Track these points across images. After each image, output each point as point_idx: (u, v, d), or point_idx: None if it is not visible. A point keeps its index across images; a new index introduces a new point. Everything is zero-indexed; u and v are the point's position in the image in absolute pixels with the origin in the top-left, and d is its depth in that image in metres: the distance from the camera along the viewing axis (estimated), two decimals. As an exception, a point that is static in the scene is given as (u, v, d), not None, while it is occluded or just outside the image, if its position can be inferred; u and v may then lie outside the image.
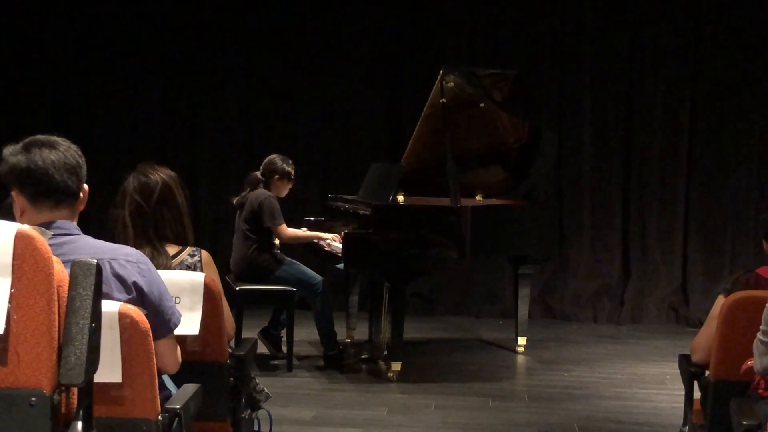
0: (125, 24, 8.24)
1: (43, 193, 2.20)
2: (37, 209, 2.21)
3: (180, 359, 2.48)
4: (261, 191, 5.74)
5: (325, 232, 6.00)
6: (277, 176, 5.79)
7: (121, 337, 2.12)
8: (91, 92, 8.32)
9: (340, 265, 5.63)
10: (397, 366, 5.48)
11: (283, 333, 5.84)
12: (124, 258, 2.27)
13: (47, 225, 2.18)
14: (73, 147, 2.25)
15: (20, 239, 1.87)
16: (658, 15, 7.86)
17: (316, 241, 5.92)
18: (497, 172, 6.36)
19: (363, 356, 6.02)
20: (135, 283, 2.26)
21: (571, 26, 7.99)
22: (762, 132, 7.76)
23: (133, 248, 2.37)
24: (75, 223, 2.29)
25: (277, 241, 5.79)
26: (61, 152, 2.21)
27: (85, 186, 2.28)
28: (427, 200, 6.04)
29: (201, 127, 8.30)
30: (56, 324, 1.90)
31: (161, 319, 2.34)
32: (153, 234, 2.92)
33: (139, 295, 2.26)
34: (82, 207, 2.31)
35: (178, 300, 2.62)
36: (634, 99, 7.95)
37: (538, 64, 7.97)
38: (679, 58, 7.84)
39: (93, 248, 2.24)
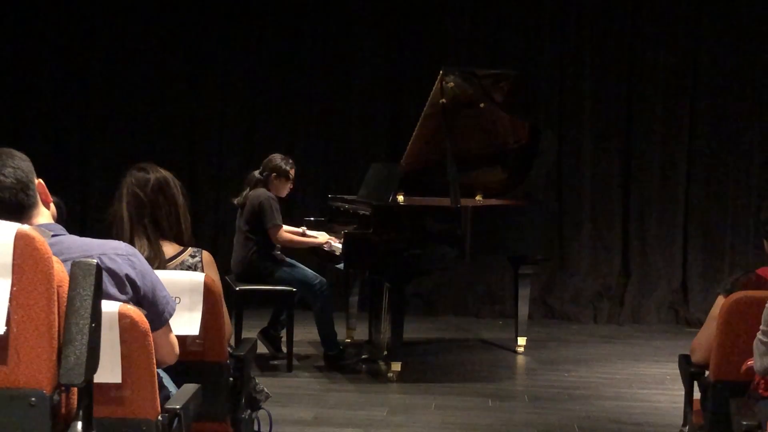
0: (124, 25, 8.23)
1: None
2: None
3: (178, 349, 2.48)
4: (261, 191, 5.72)
5: (325, 232, 6.00)
6: (275, 174, 5.76)
7: (120, 337, 2.12)
8: (91, 93, 8.30)
9: (340, 265, 5.63)
10: (397, 366, 5.47)
11: (283, 333, 5.84)
12: (114, 251, 2.26)
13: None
14: (16, 158, 2.18)
15: (20, 239, 1.87)
16: (658, 15, 7.86)
17: (326, 248, 5.89)
18: (497, 172, 6.35)
19: (363, 356, 6.01)
20: (127, 276, 2.25)
21: (571, 26, 7.99)
22: (762, 131, 7.76)
23: (121, 241, 2.36)
24: (53, 221, 2.27)
25: (277, 242, 5.79)
26: (4, 169, 2.15)
27: (38, 180, 2.24)
28: (427, 200, 6.04)
29: (201, 127, 8.29)
30: (56, 324, 1.90)
31: (156, 310, 2.34)
32: (149, 224, 2.92)
33: (132, 287, 2.26)
34: (48, 199, 2.28)
35: (178, 300, 2.62)
36: (634, 99, 7.95)
37: (538, 65, 7.96)
38: (679, 58, 7.83)
39: (81, 246, 2.23)
